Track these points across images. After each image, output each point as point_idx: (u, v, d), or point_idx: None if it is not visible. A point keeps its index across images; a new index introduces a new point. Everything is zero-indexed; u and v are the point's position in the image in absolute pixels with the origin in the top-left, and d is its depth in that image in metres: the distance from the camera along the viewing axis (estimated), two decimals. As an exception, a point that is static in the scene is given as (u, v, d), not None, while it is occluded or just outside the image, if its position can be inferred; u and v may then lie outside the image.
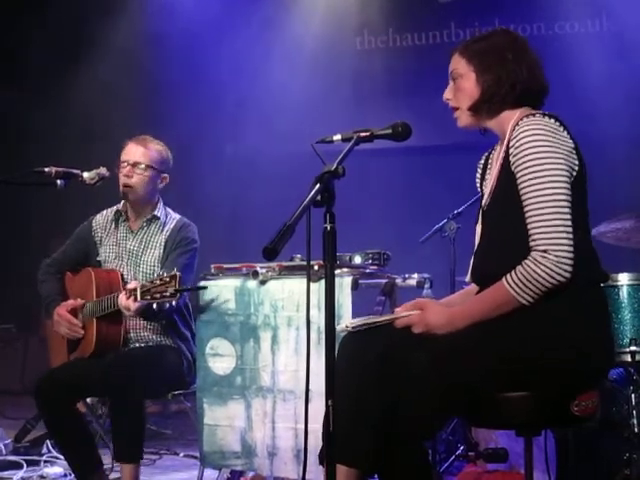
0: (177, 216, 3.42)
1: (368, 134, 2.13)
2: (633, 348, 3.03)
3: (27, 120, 6.65)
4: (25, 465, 3.88)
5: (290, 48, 6.47)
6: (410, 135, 2.16)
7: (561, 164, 2.08)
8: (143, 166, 3.28)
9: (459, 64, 2.29)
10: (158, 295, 2.83)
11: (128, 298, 2.91)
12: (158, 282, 2.84)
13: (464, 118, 2.31)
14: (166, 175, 3.38)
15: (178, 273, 2.82)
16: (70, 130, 6.54)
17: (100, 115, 6.39)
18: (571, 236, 2.04)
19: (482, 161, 2.46)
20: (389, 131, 2.15)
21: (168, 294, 2.81)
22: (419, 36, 6.52)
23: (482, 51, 2.25)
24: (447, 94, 2.33)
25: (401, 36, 6.57)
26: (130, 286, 2.94)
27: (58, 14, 6.41)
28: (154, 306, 2.90)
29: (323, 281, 1.91)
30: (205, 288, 3.09)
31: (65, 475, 3.75)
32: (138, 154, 3.30)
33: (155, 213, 3.35)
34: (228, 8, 6.54)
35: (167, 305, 2.92)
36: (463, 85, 2.28)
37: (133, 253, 3.32)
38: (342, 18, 6.55)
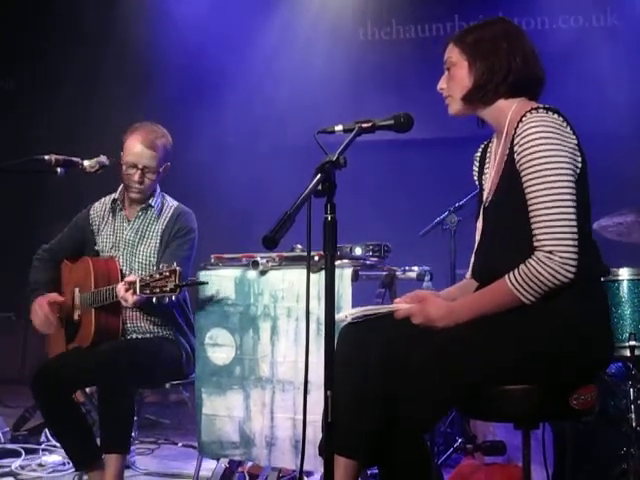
0: (174, 204, 3.38)
1: (370, 125, 2.11)
2: (632, 343, 3.02)
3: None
4: (24, 453, 3.89)
5: (293, 39, 6.45)
6: (412, 126, 2.14)
7: (566, 163, 2.06)
8: (153, 169, 3.25)
9: (453, 52, 2.27)
10: (158, 290, 2.80)
11: (127, 291, 2.87)
12: (157, 276, 2.80)
13: (455, 105, 2.28)
14: (168, 163, 3.33)
15: (178, 268, 2.78)
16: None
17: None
18: (576, 237, 2.03)
19: (478, 154, 2.43)
20: (391, 122, 2.13)
21: (168, 289, 2.78)
22: (422, 28, 6.50)
23: (476, 40, 2.23)
24: (441, 83, 2.31)
25: (404, 28, 6.55)
26: (129, 279, 2.91)
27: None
28: (153, 300, 2.85)
29: (323, 272, 1.91)
30: (206, 283, 3.07)
31: (64, 464, 3.75)
32: (147, 158, 3.23)
33: (150, 202, 3.31)
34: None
35: (167, 300, 2.87)
36: (456, 73, 2.25)
37: (129, 243, 3.30)
38: (345, 9, 6.54)
